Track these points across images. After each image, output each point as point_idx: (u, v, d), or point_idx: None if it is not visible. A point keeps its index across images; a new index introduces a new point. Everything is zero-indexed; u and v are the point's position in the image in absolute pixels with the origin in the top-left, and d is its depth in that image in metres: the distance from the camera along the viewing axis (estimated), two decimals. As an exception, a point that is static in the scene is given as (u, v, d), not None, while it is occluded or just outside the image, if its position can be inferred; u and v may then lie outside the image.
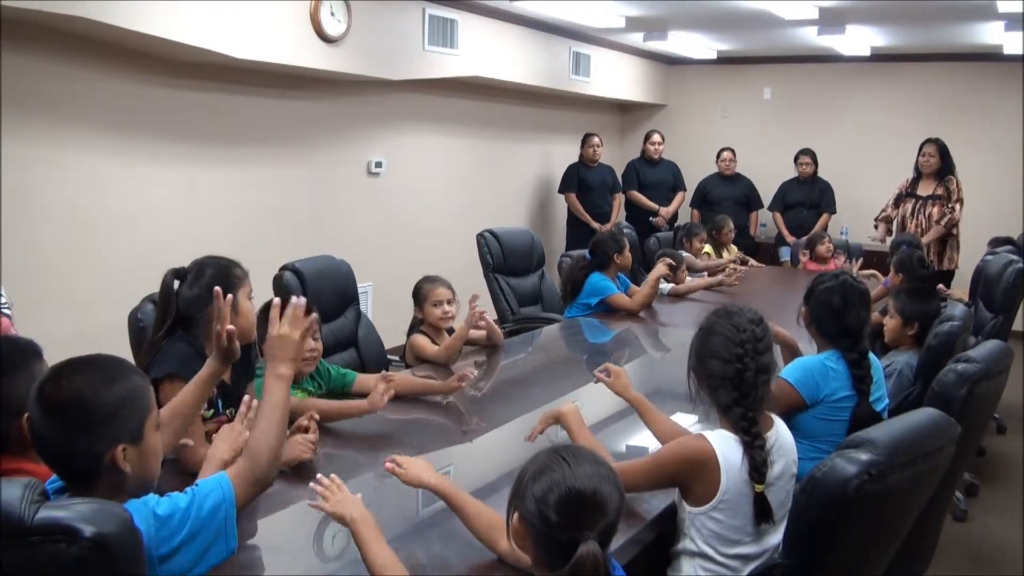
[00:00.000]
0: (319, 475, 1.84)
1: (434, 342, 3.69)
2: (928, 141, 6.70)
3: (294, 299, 1.86)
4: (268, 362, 1.83)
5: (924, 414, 2.01)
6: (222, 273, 2.50)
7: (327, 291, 3.85)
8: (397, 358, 3.94)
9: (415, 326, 3.79)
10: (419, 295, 3.75)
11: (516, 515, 1.54)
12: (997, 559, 3.78)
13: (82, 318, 4.43)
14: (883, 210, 6.86)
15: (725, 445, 2.01)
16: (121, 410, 1.51)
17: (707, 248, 6.68)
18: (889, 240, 6.54)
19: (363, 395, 3.06)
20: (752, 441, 2.00)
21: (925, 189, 6.67)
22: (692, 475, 2.03)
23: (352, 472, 2.54)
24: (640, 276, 5.63)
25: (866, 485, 1.71)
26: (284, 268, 3.80)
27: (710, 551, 2.02)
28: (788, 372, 2.78)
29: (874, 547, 1.97)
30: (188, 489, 1.59)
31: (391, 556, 1.69)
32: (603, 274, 4.87)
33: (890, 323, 3.53)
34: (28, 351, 1.83)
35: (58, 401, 1.47)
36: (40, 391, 1.49)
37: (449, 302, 3.72)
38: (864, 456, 1.73)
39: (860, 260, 6.40)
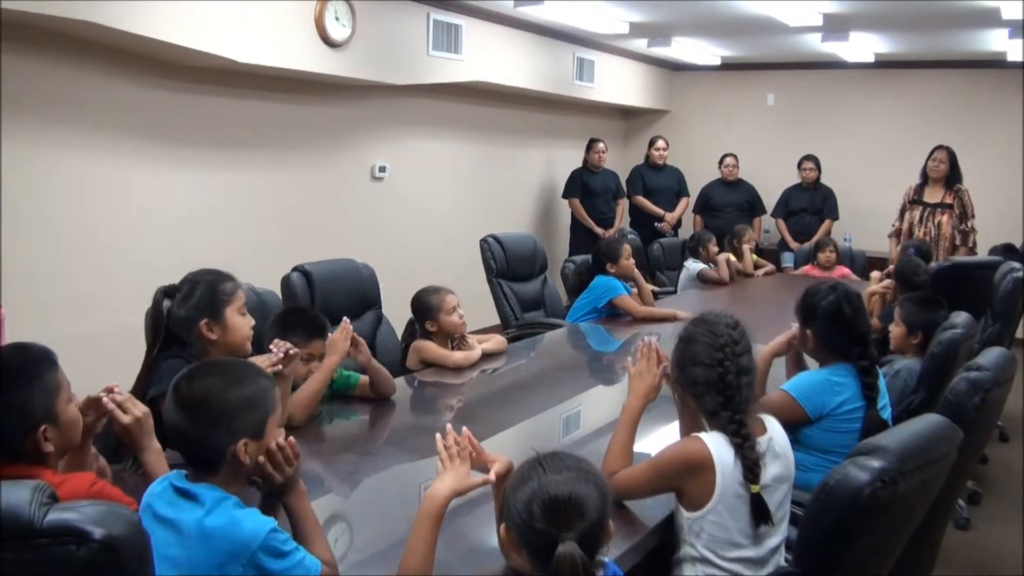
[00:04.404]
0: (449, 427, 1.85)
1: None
2: (939, 147, 6.62)
3: None
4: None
5: (929, 420, 2.01)
6: (210, 292, 2.50)
7: (339, 293, 3.89)
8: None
9: (416, 337, 3.67)
10: (429, 307, 3.59)
11: (503, 525, 1.58)
12: (999, 568, 3.77)
13: (89, 320, 4.45)
14: (892, 225, 6.81)
15: (719, 446, 2.03)
16: (244, 409, 1.66)
17: (730, 256, 6.63)
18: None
19: (366, 398, 3.09)
20: (743, 442, 2.02)
21: (933, 196, 6.60)
22: (689, 478, 2.04)
23: (352, 477, 2.55)
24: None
25: (879, 492, 1.72)
26: (294, 269, 3.82)
27: (711, 556, 2.03)
28: (792, 386, 2.75)
29: (883, 553, 1.98)
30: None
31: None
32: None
33: (895, 331, 3.53)
34: (41, 360, 1.80)
35: (189, 399, 1.65)
36: (175, 388, 1.66)
37: (458, 305, 3.65)
38: (876, 463, 1.74)
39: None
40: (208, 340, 2.47)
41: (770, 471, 2.05)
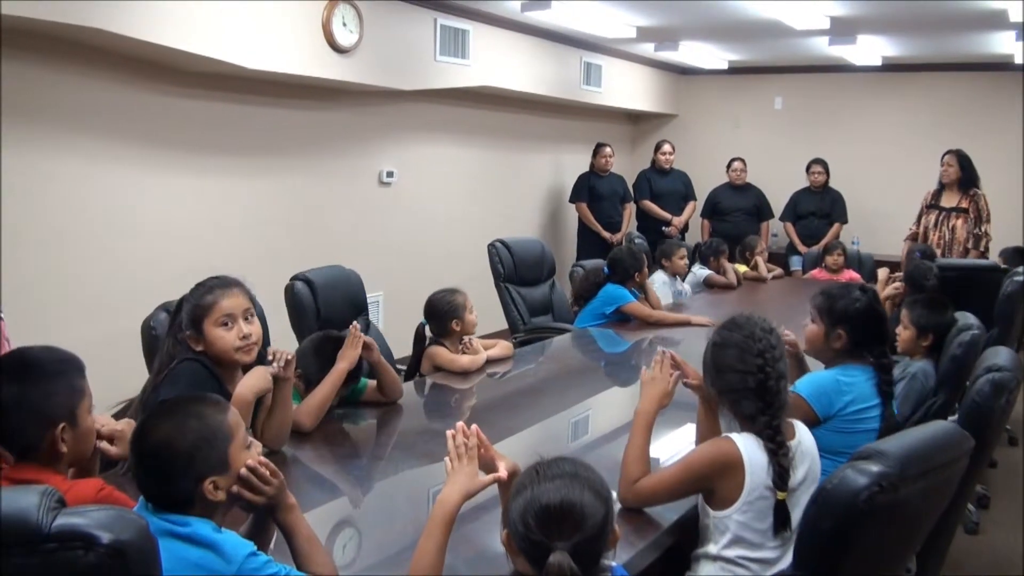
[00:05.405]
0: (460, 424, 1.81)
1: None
2: (949, 152, 6.58)
3: None
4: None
5: (937, 426, 2.00)
6: (189, 307, 2.46)
7: (338, 301, 3.87)
8: (404, 368, 3.92)
9: (426, 340, 3.69)
10: (455, 306, 3.61)
11: (505, 531, 1.57)
12: (1007, 572, 3.76)
13: (94, 326, 4.45)
14: (910, 229, 6.77)
15: (750, 447, 2.04)
16: (200, 451, 1.61)
17: (742, 268, 6.61)
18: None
19: (374, 403, 3.09)
20: (777, 449, 2.03)
21: (948, 201, 6.53)
22: (720, 478, 2.05)
23: (361, 481, 2.55)
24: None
25: (876, 497, 1.71)
26: (295, 278, 3.82)
27: (732, 554, 2.04)
28: (801, 386, 2.75)
29: (884, 559, 1.96)
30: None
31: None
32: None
33: (904, 333, 3.51)
34: (69, 363, 1.83)
35: (143, 453, 1.62)
36: (132, 441, 1.66)
37: None
38: (874, 468, 1.73)
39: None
40: (198, 352, 2.46)
41: (798, 474, 2.07)
